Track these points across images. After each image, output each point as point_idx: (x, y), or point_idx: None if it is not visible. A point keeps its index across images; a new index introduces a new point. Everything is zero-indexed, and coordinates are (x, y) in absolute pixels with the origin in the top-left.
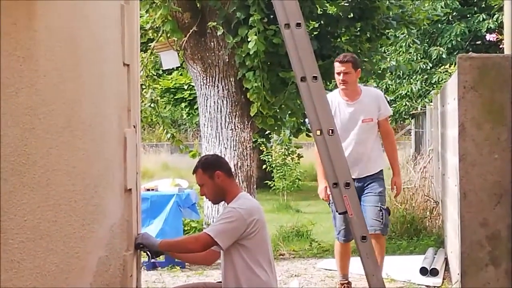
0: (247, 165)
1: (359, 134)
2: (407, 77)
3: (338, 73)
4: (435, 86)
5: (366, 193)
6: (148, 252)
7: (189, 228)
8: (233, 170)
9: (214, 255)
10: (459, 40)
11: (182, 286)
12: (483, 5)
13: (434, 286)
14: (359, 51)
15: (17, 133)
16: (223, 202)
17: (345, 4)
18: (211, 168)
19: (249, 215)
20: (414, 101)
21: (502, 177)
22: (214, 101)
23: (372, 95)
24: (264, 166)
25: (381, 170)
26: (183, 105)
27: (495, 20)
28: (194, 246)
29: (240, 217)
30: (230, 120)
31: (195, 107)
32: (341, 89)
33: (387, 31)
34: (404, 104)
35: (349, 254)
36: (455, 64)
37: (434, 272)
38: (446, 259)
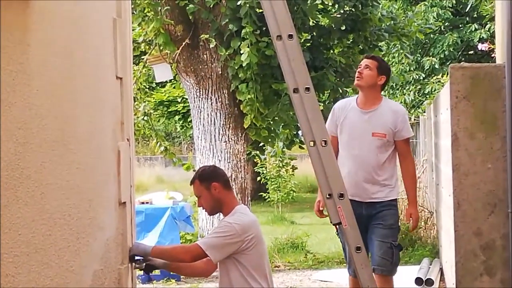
0: (241, 177)
1: (368, 149)
2: (400, 88)
3: (360, 66)
4: (428, 96)
5: (375, 225)
6: (143, 268)
7: (184, 241)
8: (229, 180)
9: (212, 266)
10: (451, 50)
11: None
12: (475, 15)
13: None
14: (352, 62)
15: (11, 147)
16: (218, 214)
17: (337, 16)
18: (208, 180)
19: (244, 231)
20: (407, 111)
21: (496, 186)
22: (208, 114)
23: (392, 109)
24: (258, 178)
25: (395, 199)
26: (176, 117)
27: (487, 30)
28: (184, 256)
29: (235, 233)
30: (224, 132)
31: (189, 119)
32: (355, 83)
33: (379, 43)
34: None
35: None
36: (447, 74)
37: (429, 282)
38: (441, 269)
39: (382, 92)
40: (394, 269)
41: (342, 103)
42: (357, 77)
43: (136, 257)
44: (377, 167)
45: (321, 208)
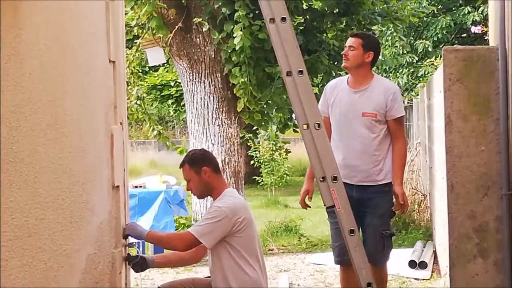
0: (235, 161)
1: (359, 130)
2: (393, 71)
3: (344, 47)
4: (421, 79)
5: (367, 212)
6: (139, 268)
7: (177, 224)
8: (220, 166)
9: (202, 251)
10: (444, 33)
11: (171, 283)
12: None
13: (423, 279)
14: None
15: (4, 131)
16: (210, 197)
17: None
18: (198, 164)
19: (234, 214)
20: (400, 94)
21: (489, 169)
22: (201, 97)
23: (384, 87)
24: (252, 162)
25: (388, 183)
26: (170, 101)
27: (480, 12)
28: (178, 244)
29: (225, 217)
30: (217, 116)
31: (182, 103)
32: (342, 65)
33: (372, 26)
34: None
35: (353, 284)
36: (440, 57)
37: (422, 265)
38: (434, 252)
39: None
40: (386, 258)
41: (333, 82)
42: (344, 59)
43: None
44: (370, 149)
45: (306, 201)
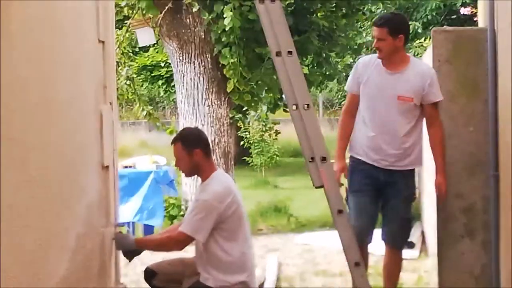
0: (224, 142)
1: (393, 114)
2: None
3: (373, 37)
4: None
5: (391, 195)
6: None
7: (167, 204)
8: (210, 146)
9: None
10: (434, 14)
11: (159, 263)
12: None
13: (411, 259)
14: (335, 26)
15: None
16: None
17: None
18: (191, 145)
19: (221, 202)
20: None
21: (477, 149)
22: (191, 78)
23: (421, 71)
24: (242, 143)
25: (414, 169)
26: (160, 82)
27: None
28: (174, 247)
29: (213, 208)
30: (207, 97)
31: (172, 84)
32: (377, 57)
33: (362, 6)
34: None
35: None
36: (430, 38)
37: (410, 245)
38: (422, 232)
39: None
40: (405, 242)
41: (365, 60)
42: (378, 52)
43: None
44: (401, 133)
45: (345, 177)
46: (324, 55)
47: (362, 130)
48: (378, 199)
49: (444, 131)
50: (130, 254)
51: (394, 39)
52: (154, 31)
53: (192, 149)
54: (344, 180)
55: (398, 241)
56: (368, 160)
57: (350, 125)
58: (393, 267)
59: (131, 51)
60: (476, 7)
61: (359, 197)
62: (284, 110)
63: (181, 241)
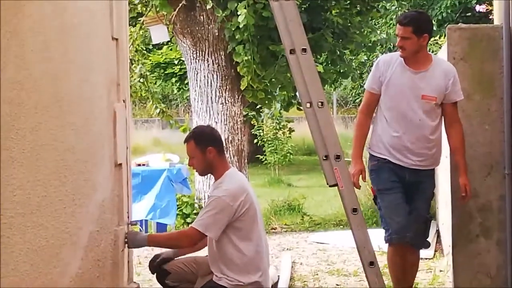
0: (238, 139)
1: (417, 113)
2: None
3: (397, 35)
4: None
5: (416, 196)
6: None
7: (180, 203)
8: (224, 144)
9: (204, 242)
10: (449, 12)
11: (173, 262)
12: None
13: (426, 258)
14: (349, 24)
15: (6, 108)
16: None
17: None
18: (204, 143)
19: (235, 200)
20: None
21: (493, 148)
22: (204, 75)
23: (444, 69)
24: (255, 141)
25: (434, 168)
26: (173, 80)
27: None
28: (184, 242)
29: (227, 205)
30: (221, 94)
31: (186, 81)
32: (399, 56)
33: (377, 4)
34: None
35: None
36: (445, 36)
37: (426, 244)
38: (437, 231)
39: (380, 54)
40: (424, 243)
41: (387, 59)
42: (400, 50)
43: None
44: (426, 133)
45: (363, 180)
46: (338, 52)
47: (384, 129)
48: (405, 196)
49: (463, 131)
50: (155, 265)
51: (419, 38)
52: (167, 28)
53: (205, 147)
54: (362, 182)
55: (418, 241)
56: (393, 159)
57: (367, 124)
58: (410, 267)
59: (144, 48)
60: (491, 4)
61: (392, 194)
62: (298, 108)
63: (192, 237)
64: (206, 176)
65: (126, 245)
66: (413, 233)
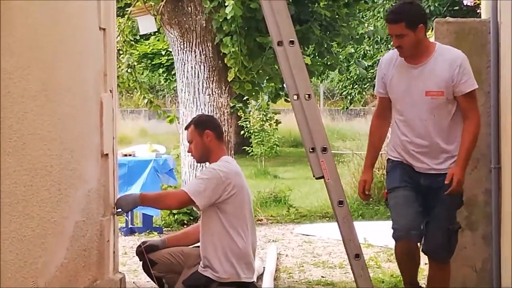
0: (225, 131)
1: (423, 112)
2: (385, 42)
3: (390, 35)
4: None
5: (435, 203)
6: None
7: None
8: (223, 133)
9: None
10: (437, 5)
11: (160, 251)
12: None
13: None
14: (336, 16)
15: None
16: (202, 165)
17: None
18: (203, 126)
19: (226, 178)
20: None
21: (479, 142)
22: (192, 66)
23: (448, 59)
24: (242, 132)
25: None
26: (160, 70)
27: None
28: (171, 202)
29: (219, 179)
30: (208, 86)
31: (173, 72)
32: (399, 55)
33: None
34: None
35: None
36: (432, 29)
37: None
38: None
39: (367, 47)
40: (450, 255)
41: (387, 58)
42: (398, 50)
43: (118, 210)
44: (437, 134)
45: (366, 192)
46: (325, 45)
47: (396, 132)
48: (421, 203)
49: (477, 125)
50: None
51: (415, 32)
52: (155, 19)
53: (203, 130)
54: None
55: (440, 254)
56: (406, 161)
57: (381, 128)
58: (437, 283)
59: (132, 39)
60: None
61: (400, 191)
62: (285, 100)
63: (180, 199)
64: (192, 167)
65: (121, 210)
66: (431, 245)
